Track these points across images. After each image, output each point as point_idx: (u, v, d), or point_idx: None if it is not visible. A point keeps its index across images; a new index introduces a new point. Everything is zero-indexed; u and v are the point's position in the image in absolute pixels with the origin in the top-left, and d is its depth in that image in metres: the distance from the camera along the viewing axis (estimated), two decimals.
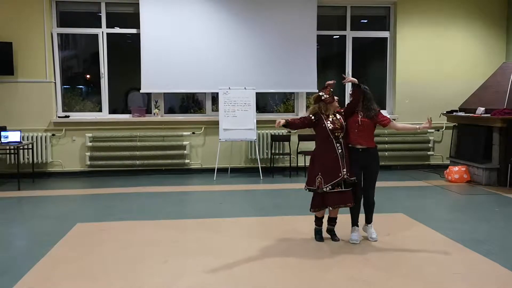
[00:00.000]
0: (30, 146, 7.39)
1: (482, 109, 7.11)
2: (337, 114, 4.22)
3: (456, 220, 5.11)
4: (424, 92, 8.39)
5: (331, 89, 4.24)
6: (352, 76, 8.27)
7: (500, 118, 6.70)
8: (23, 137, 7.24)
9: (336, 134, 4.13)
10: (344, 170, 4.08)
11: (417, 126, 4.24)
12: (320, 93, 4.23)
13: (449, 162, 7.84)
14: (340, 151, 4.12)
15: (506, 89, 7.04)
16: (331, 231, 4.38)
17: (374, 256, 3.90)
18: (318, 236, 4.33)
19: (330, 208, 4.20)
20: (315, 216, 4.34)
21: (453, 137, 8.04)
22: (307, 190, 4.25)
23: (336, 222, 4.37)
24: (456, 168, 7.25)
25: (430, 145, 8.42)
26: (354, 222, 4.35)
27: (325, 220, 4.37)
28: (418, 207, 5.68)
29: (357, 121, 4.20)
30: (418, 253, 3.97)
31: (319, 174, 4.11)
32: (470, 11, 8.39)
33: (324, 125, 4.14)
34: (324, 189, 4.09)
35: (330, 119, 4.16)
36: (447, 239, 4.34)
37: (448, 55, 8.40)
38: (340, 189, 4.11)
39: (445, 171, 7.50)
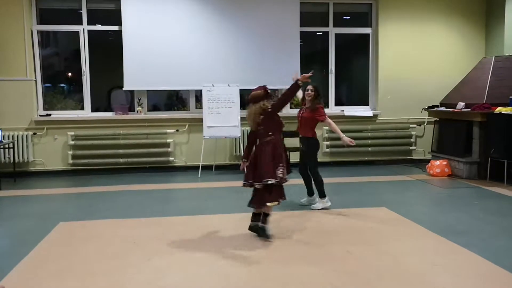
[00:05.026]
0: (11, 145, 7.27)
1: (463, 104, 7.22)
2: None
3: (437, 213, 5.20)
4: (406, 88, 8.49)
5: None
6: (335, 72, 8.40)
7: (480, 113, 6.82)
8: (3, 136, 7.13)
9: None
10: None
11: None
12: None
13: (430, 157, 7.95)
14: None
15: (486, 84, 7.16)
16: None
17: (357, 248, 3.94)
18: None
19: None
20: (255, 213, 4.29)
21: (435, 132, 8.16)
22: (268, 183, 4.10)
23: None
24: (437, 162, 7.36)
25: (412, 140, 8.52)
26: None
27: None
28: (400, 201, 5.76)
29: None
30: (400, 246, 4.03)
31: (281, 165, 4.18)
32: (451, 6, 8.51)
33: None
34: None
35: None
36: (428, 232, 4.41)
37: (429, 51, 8.51)
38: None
39: (427, 166, 7.61)
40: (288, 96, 4.39)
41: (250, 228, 4.34)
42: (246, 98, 4.44)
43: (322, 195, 5.32)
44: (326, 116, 5.30)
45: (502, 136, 6.63)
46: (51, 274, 3.49)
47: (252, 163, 4.21)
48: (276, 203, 4.13)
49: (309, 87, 5.24)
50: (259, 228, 4.23)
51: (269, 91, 4.30)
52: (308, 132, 5.27)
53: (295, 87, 4.31)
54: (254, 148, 4.30)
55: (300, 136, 5.37)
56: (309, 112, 5.24)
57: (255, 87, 4.37)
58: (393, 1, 8.38)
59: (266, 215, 4.23)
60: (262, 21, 7.99)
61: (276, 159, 4.15)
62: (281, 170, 4.12)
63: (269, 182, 4.05)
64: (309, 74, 4.32)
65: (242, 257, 3.81)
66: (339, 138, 5.30)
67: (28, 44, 7.54)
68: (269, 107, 4.21)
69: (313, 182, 5.40)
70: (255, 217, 4.33)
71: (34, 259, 3.82)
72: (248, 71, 7.93)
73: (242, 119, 7.67)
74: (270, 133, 4.19)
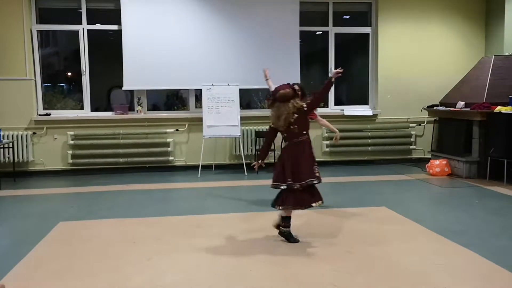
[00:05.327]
0: (10, 145, 7.27)
1: (462, 103, 7.22)
2: None
3: (437, 213, 5.20)
4: (406, 87, 8.49)
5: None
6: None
7: (480, 112, 6.82)
8: (3, 135, 7.13)
9: None
10: None
11: None
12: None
13: (430, 156, 7.95)
14: None
15: (485, 83, 7.16)
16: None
17: (357, 248, 3.94)
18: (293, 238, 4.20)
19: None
20: (287, 216, 4.14)
21: (434, 131, 8.16)
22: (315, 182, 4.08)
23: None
24: (437, 162, 7.36)
25: (412, 139, 8.52)
26: None
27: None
28: (400, 200, 5.76)
29: None
30: (400, 245, 4.03)
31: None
32: (450, 6, 8.50)
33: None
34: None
35: None
36: (428, 231, 4.41)
37: (429, 50, 8.51)
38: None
39: (426, 165, 7.61)
40: (322, 94, 4.29)
41: (281, 233, 4.20)
42: (268, 97, 4.34)
43: None
44: (317, 115, 5.32)
45: (502, 136, 6.63)
46: (51, 274, 3.48)
47: (288, 162, 4.07)
48: (320, 202, 4.09)
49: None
50: (284, 234, 4.15)
51: (296, 89, 4.13)
52: None
53: (330, 84, 4.17)
54: (287, 148, 4.21)
55: None
56: None
57: (279, 85, 4.18)
58: (393, 0, 8.38)
59: (287, 218, 4.14)
60: (262, 20, 7.98)
61: (313, 158, 4.15)
62: (317, 169, 4.12)
63: (314, 182, 4.03)
64: (340, 69, 4.18)
65: (242, 257, 3.81)
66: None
67: (27, 44, 7.53)
68: (304, 106, 4.09)
69: None
70: (285, 221, 4.16)
71: (34, 259, 3.82)
72: (248, 70, 7.91)
73: (242, 118, 7.68)
74: (304, 132, 4.13)
